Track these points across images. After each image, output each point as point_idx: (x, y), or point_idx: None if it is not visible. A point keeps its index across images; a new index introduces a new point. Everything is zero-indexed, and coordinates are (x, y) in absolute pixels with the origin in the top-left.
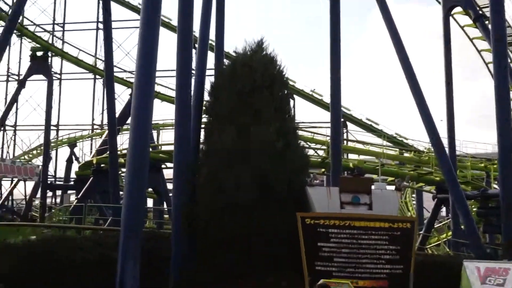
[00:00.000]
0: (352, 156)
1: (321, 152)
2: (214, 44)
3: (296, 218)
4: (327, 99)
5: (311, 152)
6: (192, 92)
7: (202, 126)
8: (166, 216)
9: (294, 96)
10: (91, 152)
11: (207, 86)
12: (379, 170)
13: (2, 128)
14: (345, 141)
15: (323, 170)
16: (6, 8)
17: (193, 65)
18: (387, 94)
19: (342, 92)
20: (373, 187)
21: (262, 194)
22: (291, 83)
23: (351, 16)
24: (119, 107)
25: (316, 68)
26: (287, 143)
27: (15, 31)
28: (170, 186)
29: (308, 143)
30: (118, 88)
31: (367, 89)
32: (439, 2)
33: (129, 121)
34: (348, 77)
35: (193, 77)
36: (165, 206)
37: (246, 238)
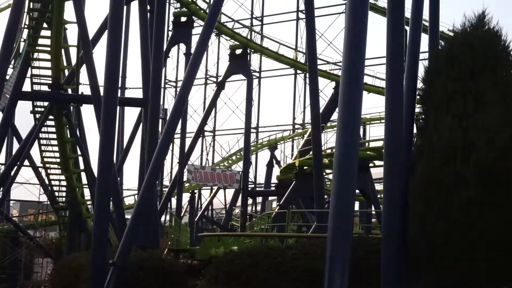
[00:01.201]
0: None
1: None
2: (427, 24)
3: None
4: None
5: None
6: (404, 80)
7: (416, 117)
8: (373, 219)
9: None
10: (292, 154)
11: (421, 72)
12: None
13: (201, 134)
14: None
15: None
16: (204, 5)
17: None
18: None
19: None
20: None
21: (486, 192)
22: None
23: None
24: (322, 103)
25: None
26: None
27: (213, 30)
28: (378, 186)
29: None
30: (321, 82)
31: None
32: None
33: (334, 117)
34: None
35: (405, 63)
36: (373, 209)
37: (466, 242)
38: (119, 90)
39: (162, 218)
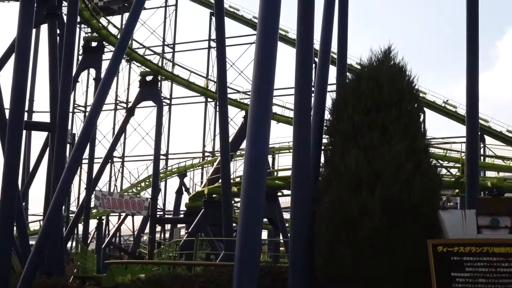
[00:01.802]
0: (490, 173)
1: (455, 171)
2: (335, 57)
3: (426, 246)
4: (461, 110)
5: (443, 171)
6: (312, 111)
7: (323, 148)
8: (282, 248)
9: (425, 109)
10: (202, 182)
11: (328, 104)
12: None
13: (110, 160)
14: (482, 157)
15: (457, 191)
16: (114, 31)
17: (313, 82)
18: None
19: (480, 102)
20: None
21: (390, 221)
22: (421, 95)
23: (493, 16)
24: (232, 131)
25: (447, 76)
26: (418, 163)
27: (124, 56)
28: (285, 215)
29: (440, 161)
30: (231, 110)
31: (508, 97)
32: None
33: (243, 146)
34: (485, 84)
35: (313, 94)
36: (281, 237)
37: (372, 270)
38: (26, 114)
39: (68, 245)
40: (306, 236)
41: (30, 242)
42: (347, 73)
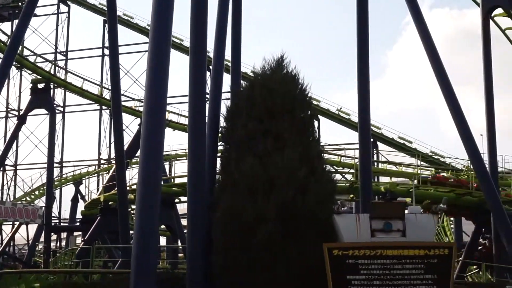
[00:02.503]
0: (383, 179)
1: (349, 176)
2: (230, 65)
3: (322, 250)
4: (354, 118)
5: (338, 176)
6: (206, 119)
7: (218, 155)
8: (180, 255)
9: (319, 116)
10: (97, 190)
11: (223, 111)
12: (413, 193)
13: (1, 168)
14: (375, 163)
15: (351, 195)
16: (4, 38)
17: (207, 89)
18: (421, 109)
19: (371, 110)
20: (406, 212)
21: (285, 227)
22: (315, 102)
23: (381, 26)
24: (127, 139)
25: (341, 85)
26: (312, 169)
27: (14, 63)
28: (184, 222)
29: (335, 167)
30: (126, 118)
31: (398, 105)
32: (478, 4)
33: (138, 153)
34: (377, 92)
35: (207, 102)
36: (179, 244)
37: (268, 276)
38: None
39: None
40: (203, 243)
41: None
42: (241, 81)
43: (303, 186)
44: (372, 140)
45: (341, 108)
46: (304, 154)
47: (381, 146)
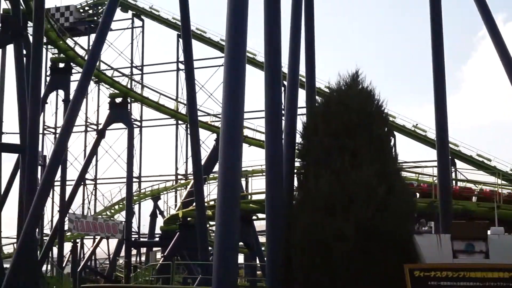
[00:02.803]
0: None
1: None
2: (304, 80)
3: (402, 271)
4: (431, 134)
5: (417, 195)
6: (283, 134)
7: (295, 171)
8: (259, 272)
9: (395, 133)
10: (176, 205)
11: (299, 128)
12: (495, 212)
13: (82, 183)
14: (454, 182)
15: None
16: (81, 52)
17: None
18: (498, 125)
19: (449, 126)
20: (489, 232)
21: (364, 246)
22: (390, 119)
23: (455, 41)
24: (204, 154)
25: (417, 101)
26: (390, 187)
27: (92, 78)
28: (261, 239)
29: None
30: (203, 133)
31: (475, 121)
32: None
33: (216, 169)
34: (453, 108)
35: (284, 117)
36: (257, 261)
37: None
38: None
39: (43, 268)
40: (282, 261)
41: (5, 265)
42: (317, 97)
43: (382, 204)
44: (450, 157)
45: (417, 124)
46: (382, 171)
47: (459, 164)
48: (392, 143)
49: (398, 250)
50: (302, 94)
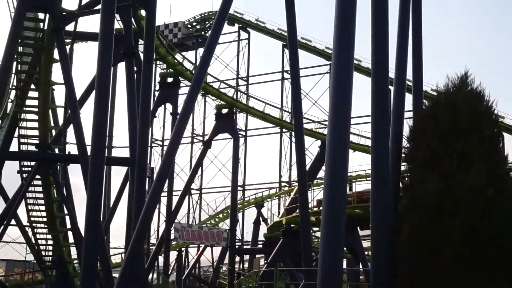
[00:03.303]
0: None
1: None
2: (411, 84)
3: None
4: None
5: None
6: (389, 139)
7: (401, 175)
8: (361, 277)
9: (503, 134)
10: (279, 212)
11: (405, 131)
12: None
13: (188, 193)
14: None
15: None
16: (189, 66)
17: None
18: None
19: None
20: None
21: (472, 249)
22: (499, 119)
23: None
24: (308, 161)
25: None
26: (500, 189)
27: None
28: (365, 244)
29: None
30: (307, 140)
31: None
32: None
33: (320, 174)
34: None
35: (390, 121)
36: (360, 266)
37: None
38: (106, 149)
39: (150, 276)
40: (388, 266)
41: (113, 275)
42: (424, 100)
43: (490, 207)
44: None
45: None
46: (491, 173)
47: None
48: (501, 144)
49: (507, 253)
50: (408, 99)
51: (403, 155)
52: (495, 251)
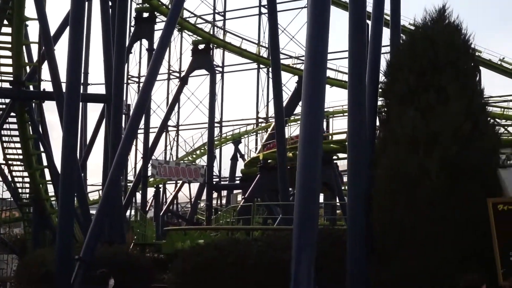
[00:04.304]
0: None
1: None
2: (388, 18)
3: (486, 206)
4: None
5: (501, 130)
6: (366, 74)
7: (378, 110)
8: (338, 211)
9: (480, 68)
10: (256, 148)
11: (382, 66)
12: None
13: (164, 130)
14: None
15: None
16: (166, 1)
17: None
18: None
19: None
20: None
21: (449, 182)
22: (476, 53)
23: None
24: (285, 97)
25: (504, 35)
26: (476, 123)
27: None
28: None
29: (497, 120)
30: (284, 76)
31: None
32: None
33: (297, 110)
34: None
35: (367, 56)
36: (337, 201)
37: (432, 232)
38: (82, 86)
39: (128, 213)
40: (364, 200)
41: (91, 212)
42: (401, 34)
43: (467, 140)
44: None
45: (503, 58)
46: (467, 107)
47: None
48: (478, 78)
49: (482, 185)
50: (386, 33)
51: (380, 90)
52: (470, 182)
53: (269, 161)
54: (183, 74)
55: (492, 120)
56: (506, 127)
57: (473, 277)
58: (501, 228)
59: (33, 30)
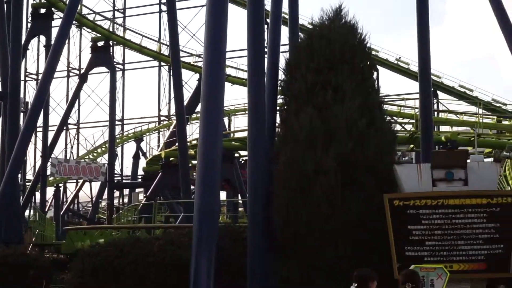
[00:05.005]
0: (444, 128)
1: (409, 127)
2: (287, 17)
3: (382, 202)
4: (414, 67)
5: (398, 127)
6: (265, 72)
7: (278, 108)
8: (240, 209)
9: (378, 67)
10: (158, 146)
11: (282, 64)
12: (475, 141)
13: (64, 128)
14: (435, 113)
15: (412, 146)
16: None
17: (266, 43)
18: (480, 58)
19: (432, 59)
20: (468, 160)
21: (345, 178)
22: (373, 52)
23: None
24: (186, 95)
25: (399, 34)
26: (372, 120)
27: (73, 22)
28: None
29: (394, 117)
30: (185, 74)
31: (457, 54)
32: None
33: (198, 109)
34: (435, 41)
35: (266, 55)
36: (239, 198)
37: (328, 228)
38: None
39: (26, 213)
40: (264, 196)
41: None
42: (300, 33)
43: (362, 137)
44: (432, 89)
45: (400, 57)
46: (363, 104)
47: (441, 95)
48: (374, 76)
49: (378, 181)
50: (285, 32)
51: (279, 87)
52: (367, 179)
53: (171, 159)
54: (82, 71)
55: (388, 118)
56: (403, 125)
57: (363, 272)
58: (397, 223)
59: None
